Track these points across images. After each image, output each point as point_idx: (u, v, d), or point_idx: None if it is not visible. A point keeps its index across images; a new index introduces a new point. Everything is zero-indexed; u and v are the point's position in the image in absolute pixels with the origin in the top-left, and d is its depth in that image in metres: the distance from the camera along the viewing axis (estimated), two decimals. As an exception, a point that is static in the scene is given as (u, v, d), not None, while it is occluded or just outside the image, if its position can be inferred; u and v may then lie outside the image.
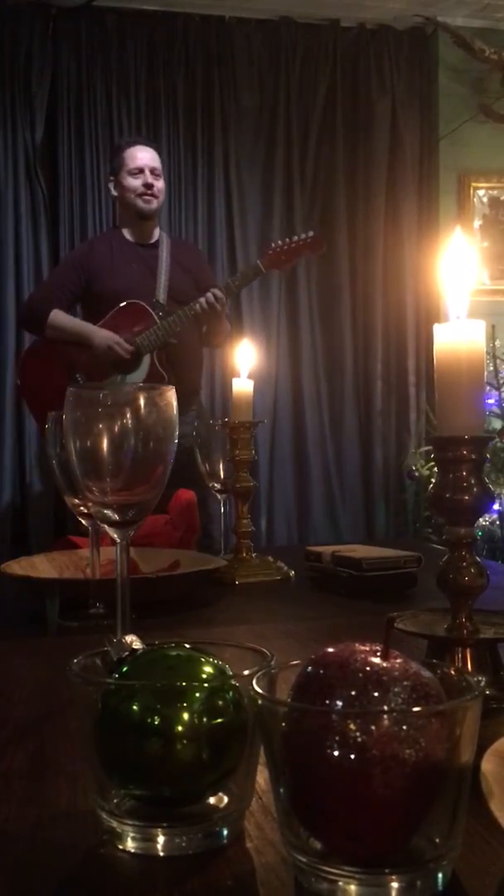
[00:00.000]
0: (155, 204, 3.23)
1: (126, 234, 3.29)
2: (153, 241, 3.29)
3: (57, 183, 4.45)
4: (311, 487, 4.67)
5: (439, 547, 2.07)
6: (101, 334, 3.12)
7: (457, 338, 0.69)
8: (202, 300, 3.11)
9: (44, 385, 3.16)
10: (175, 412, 0.82)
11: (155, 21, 4.53)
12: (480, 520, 3.90)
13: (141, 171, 3.20)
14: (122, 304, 3.17)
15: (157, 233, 3.33)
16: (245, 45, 4.67)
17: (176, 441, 0.82)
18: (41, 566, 1.46)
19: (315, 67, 4.74)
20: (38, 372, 3.26)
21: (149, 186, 3.19)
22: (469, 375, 0.69)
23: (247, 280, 3.35)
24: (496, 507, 4.04)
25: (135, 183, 3.19)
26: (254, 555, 1.62)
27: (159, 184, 3.24)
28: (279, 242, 3.30)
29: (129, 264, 3.22)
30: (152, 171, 3.22)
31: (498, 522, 4.14)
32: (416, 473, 4.50)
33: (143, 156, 3.23)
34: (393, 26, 4.80)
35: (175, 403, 0.82)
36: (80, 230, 4.46)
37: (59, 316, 3.18)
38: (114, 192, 3.29)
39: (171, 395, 0.82)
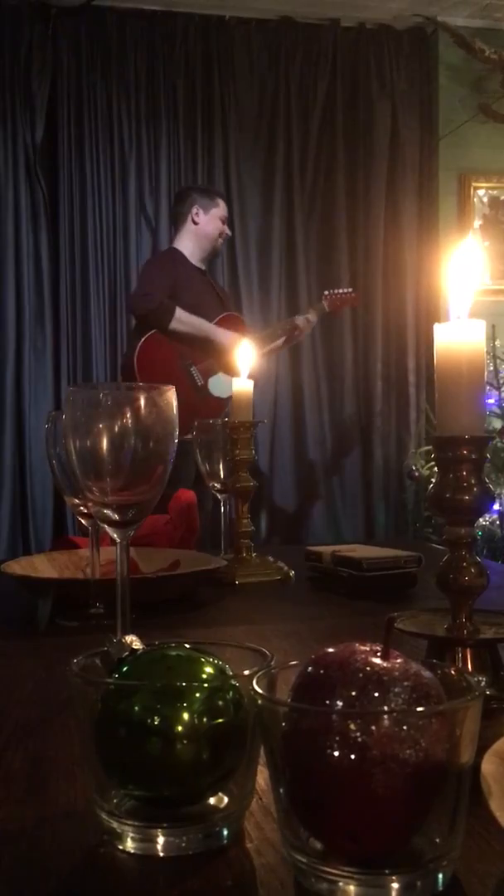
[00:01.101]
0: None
1: (188, 255, 3.69)
2: (204, 268, 3.78)
3: (57, 183, 4.46)
4: (311, 487, 4.67)
5: (439, 547, 2.07)
6: (227, 333, 3.50)
7: (457, 337, 0.69)
8: (302, 318, 3.78)
9: (159, 371, 3.43)
10: (175, 412, 0.82)
11: (155, 21, 4.53)
12: (480, 520, 3.90)
13: (225, 221, 3.78)
14: (223, 314, 3.63)
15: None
16: (245, 45, 4.67)
17: (176, 440, 0.82)
18: (41, 566, 1.46)
19: (315, 67, 4.75)
20: (157, 359, 3.51)
21: (228, 235, 3.88)
22: (469, 375, 0.69)
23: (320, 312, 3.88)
24: (496, 506, 4.04)
25: (221, 227, 3.74)
26: (254, 555, 1.62)
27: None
28: (335, 290, 3.94)
29: (197, 282, 3.65)
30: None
31: (498, 522, 4.13)
32: (417, 473, 4.50)
33: (226, 211, 3.83)
34: (393, 26, 4.81)
35: (174, 403, 0.82)
36: (80, 230, 4.46)
37: (184, 312, 3.48)
38: (196, 219, 3.68)
39: (171, 394, 0.82)
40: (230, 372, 3.28)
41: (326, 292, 3.88)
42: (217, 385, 3.51)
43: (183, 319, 3.46)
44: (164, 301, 3.46)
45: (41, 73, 4.40)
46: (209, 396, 3.50)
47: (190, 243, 3.69)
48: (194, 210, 3.67)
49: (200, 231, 3.68)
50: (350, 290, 4.01)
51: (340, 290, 3.94)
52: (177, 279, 3.54)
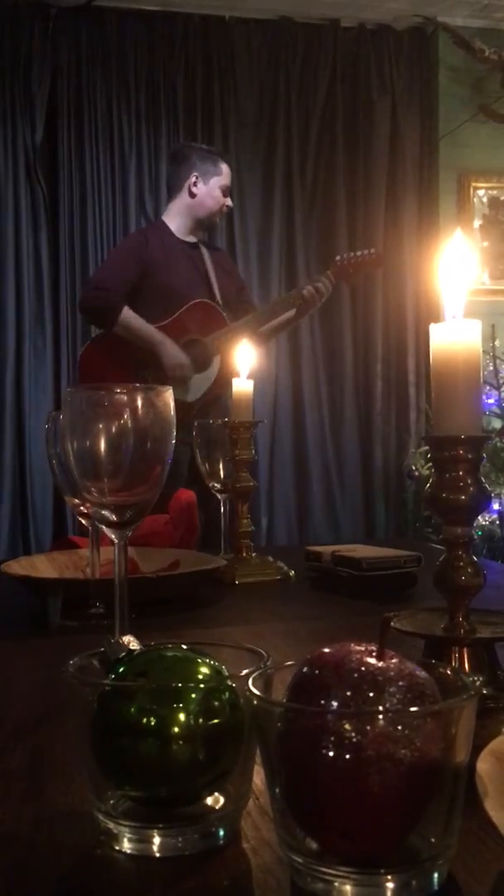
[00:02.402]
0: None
1: (174, 227, 3.25)
2: (195, 241, 3.29)
3: (57, 183, 4.46)
4: (311, 487, 4.67)
5: (439, 546, 2.07)
6: (172, 352, 3.05)
7: (453, 337, 0.69)
8: (309, 287, 3.14)
9: (104, 379, 3.03)
10: (172, 412, 0.82)
11: (155, 21, 4.53)
12: (480, 519, 3.90)
13: (228, 191, 3.30)
14: (190, 304, 3.13)
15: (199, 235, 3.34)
16: (245, 45, 4.67)
17: (173, 441, 0.82)
18: (41, 566, 1.46)
19: (315, 67, 4.74)
20: (103, 367, 3.16)
21: (230, 208, 3.38)
22: (465, 375, 0.69)
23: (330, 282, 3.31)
24: (496, 506, 4.04)
25: (223, 200, 3.26)
26: (254, 555, 1.62)
27: None
28: (345, 255, 3.33)
29: (180, 261, 3.18)
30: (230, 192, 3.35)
31: (498, 522, 4.14)
32: (416, 473, 4.50)
33: (230, 177, 3.33)
34: (393, 26, 4.81)
35: (172, 404, 0.82)
36: (80, 230, 4.46)
37: (129, 316, 3.06)
38: (193, 190, 3.23)
39: (169, 395, 0.82)
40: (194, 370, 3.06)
41: (338, 257, 3.33)
42: (178, 389, 3.12)
43: (128, 325, 3.05)
44: (112, 300, 3.05)
45: (41, 73, 4.40)
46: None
47: (180, 216, 3.26)
48: (192, 178, 3.22)
49: (196, 203, 3.24)
50: (369, 250, 3.35)
51: (357, 253, 3.34)
52: (149, 262, 3.12)
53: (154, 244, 3.19)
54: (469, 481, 0.69)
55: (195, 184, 3.22)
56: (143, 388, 0.81)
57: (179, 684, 0.55)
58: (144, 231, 3.47)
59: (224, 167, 3.28)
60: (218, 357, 3.13)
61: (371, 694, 0.47)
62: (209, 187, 3.23)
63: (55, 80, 4.43)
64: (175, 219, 3.26)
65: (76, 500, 1.26)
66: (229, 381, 3.13)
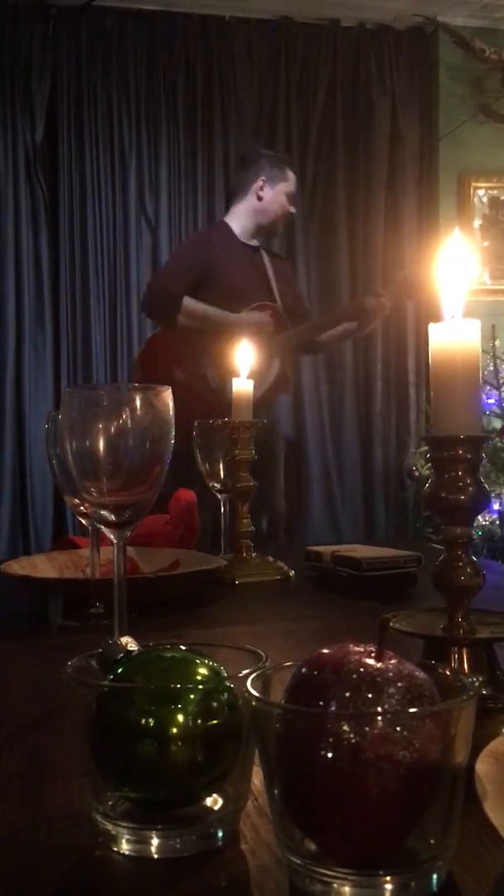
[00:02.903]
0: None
1: (237, 230, 3.22)
2: (256, 245, 3.28)
3: (57, 183, 4.46)
4: (311, 487, 4.67)
5: (439, 546, 2.07)
6: (252, 314, 3.02)
7: (452, 337, 0.69)
8: (372, 299, 3.11)
9: (168, 373, 3.04)
10: (171, 412, 0.82)
11: (155, 21, 4.53)
12: (480, 519, 3.90)
13: (293, 199, 3.28)
14: (256, 304, 3.09)
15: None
16: (245, 45, 4.67)
17: (172, 441, 0.82)
18: (41, 566, 1.46)
19: (315, 67, 4.74)
20: (164, 361, 3.12)
21: (293, 214, 3.35)
22: (464, 375, 0.69)
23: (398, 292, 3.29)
24: (496, 506, 4.04)
25: (287, 206, 3.24)
26: (254, 555, 1.62)
27: None
28: (408, 271, 3.41)
29: (242, 264, 3.17)
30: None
31: (498, 522, 4.14)
32: (417, 473, 4.50)
33: (296, 185, 3.33)
34: (393, 26, 4.80)
35: (171, 404, 0.82)
36: (80, 230, 4.46)
37: (192, 302, 3.01)
38: (259, 194, 3.20)
39: (168, 395, 0.82)
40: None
41: (401, 273, 3.34)
42: None
43: (191, 312, 2.99)
44: (169, 293, 3.01)
45: (41, 73, 4.40)
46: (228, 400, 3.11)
47: (244, 218, 3.21)
48: (259, 182, 3.17)
49: (261, 207, 3.19)
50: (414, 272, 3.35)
51: (409, 273, 3.35)
52: (211, 262, 3.08)
53: (217, 244, 3.17)
54: (468, 481, 0.69)
55: (262, 188, 3.20)
56: (142, 387, 0.81)
57: (178, 685, 0.55)
58: (209, 231, 3.47)
59: (290, 174, 3.26)
60: (278, 360, 3.13)
61: (370, 695, 0.47)
62: (275, 192, 3.20)
63: (55, 80, 4.43)
64: (239, 221, 3.24)
65: (76, 500, 1.26)
66: (288, 386, 3.17)
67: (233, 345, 2.77)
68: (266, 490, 3.27)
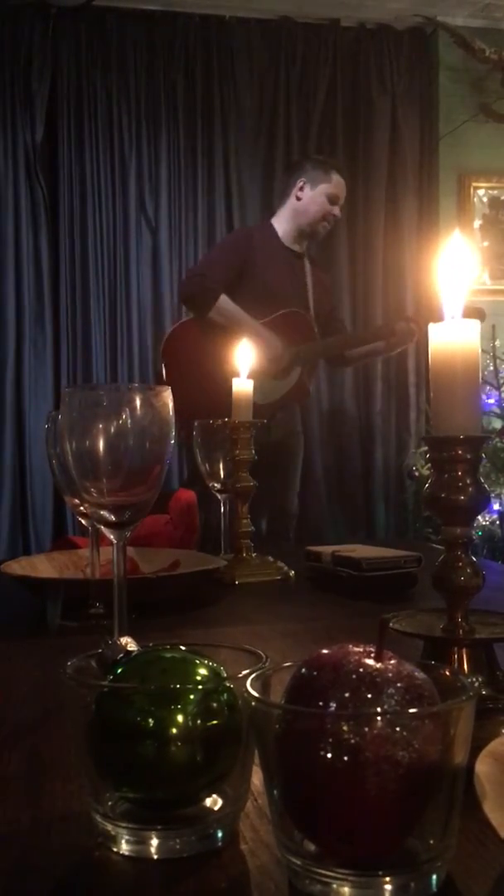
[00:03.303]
0: (326, 233, 3.35)
1: (282, 234, 3.25)
2: (299, 251, 3.29)
3: (57, 183, 4.45)
4: (311, 487, 4.67)
5: (439, 546, 2.07)
6: (273, 342, 3.04)
7: (452, 338, 0.69)
8: (402, 323, 3.15)
9: (188, 360, 3.09)
10: (171, 413, 0.82)
11: (155, 21, 4.53)
12: (480, 519, 3.90)
13: (337, 200, 3.24)
14: (284, 311, 3.11)
15: (304, 245, 3.33)
16: (245, 45, 4.67)
17: (172, 441, 0.82)
18: (41, 566, 1.46)
19: (315, 67, 4.74)
20: (189, 349, 3.15)
21: (336, 217, 3.28)
22: (464, 375, 0.69)
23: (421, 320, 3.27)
24: (496, 506, 4.04)
25: (328, 207, 3.21)
26: (254, 555, 1.62)
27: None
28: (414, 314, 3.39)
29: (281, 266, 3.18)
30: (342, 206, 3.30)
31: (498, 522, 4.13)
32: (416, 473, 4.50)
33: (344, 188, 3.28)
34: (393, 26, 4.80)
35: (171, 404, 0.82)
36: (80, 230, 4.46)
37: (227, 302, 3.05)
38: (299, 195, 3.22)
39: (167, 395, 0.82)
40: (273, 375, 3.05)
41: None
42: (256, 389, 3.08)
43: (223, 310, 3.02)
44: (209, 286, 3.03)
45: (41, 73, 4.40)
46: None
47: (286, 221, 3.24)
48: (300, 183, 3.20)
49: (301, 208, 3.19)
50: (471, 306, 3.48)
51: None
52: (250, 260, 3.11)
53: (258, 243, 3.18)
54: (468, 481, 0.69)
55: (301, 188, 3.22)
56: (142, 387, 0.81)
57: (177, 686, 0.55)
58: (251, 229, 3.50)
59: (335, 177, 3.24)
60: (300, 368, 3.14)
61: (369, 695, 0.47)
62: (315, 193, 3.21)
63: (55, 80, 4.43)
64: (282, 224, 3.27)
65: (76, 500, 1.26)
66: (306, 394, 3.17)
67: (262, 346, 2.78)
68: (282, 490, 3.28)
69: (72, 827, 0.58)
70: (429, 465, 4.29)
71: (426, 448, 4.58)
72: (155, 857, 0.53)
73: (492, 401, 4.22)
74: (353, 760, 0.45)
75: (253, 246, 3.16)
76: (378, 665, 0.48)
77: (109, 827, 0.54)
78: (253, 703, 0.50)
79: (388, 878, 0.47)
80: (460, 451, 0.69)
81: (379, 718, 0.45)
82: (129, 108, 4.53)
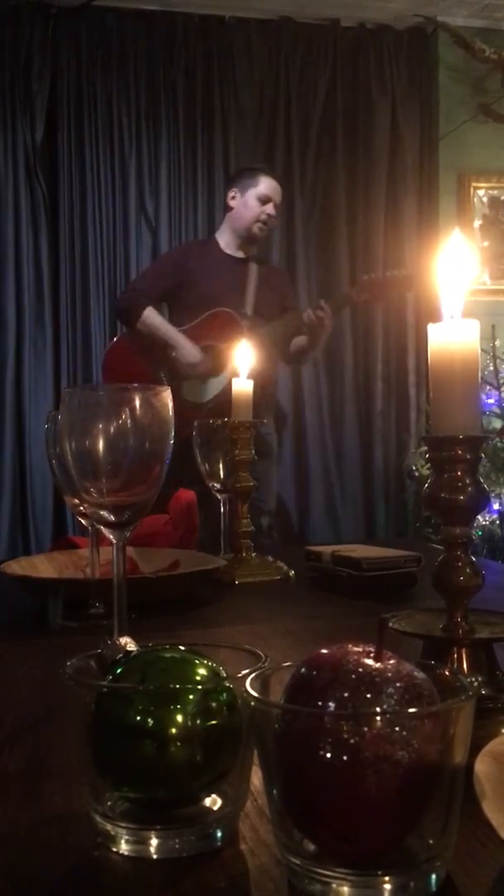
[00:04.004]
0: (266, 233, 3.45)
1: (223, 244, 3.42)
2: (245, 257, 3.42)
3: (57, 183, 4.46)
4: (311, 487, 4.67)
5: (439, 546, 2.07)
6: (186, 351, 3.22)
7: (451, 337, 0.69)
8: (309, 313, 3.22)
9: (126, 373, 3.26)
10: (171, 412, 0.82)
11: (155, 21, 4.53)
12: (480, 519, 3.90)
13: (269, 200, 3.35)
14: (211, 311, 3.26)
15: (252, 250, 3.47)
16: (245, 45, 4.67)
17: (172, 441, 0.82)
18: (41, 566, 1.46)
19: (315, 67, 4.74)
20: (125, 362, 3.36)
21: (271, 217, 3.37)
22: (463, 375, 0.69)
23: (336, 306, 3.36)
24: (496, 506, 4.04)
25: (258, 209, 3.33)
26: (254, 555, 1.62)
27: (275, 219, 3.44)
28: (371, 275, 3.41)
29: (220, 274, 3.33)
30: (276, 205, 3.39)
31: (498, 522, 4.13)
32: (416, 473, 4.50)
33: (275, 189, 3.39)
34: (393, 26, 4.80)
35: (171, 404, 0.82)
36: (80, 230, 4.46)
37: (152, 315, 3.26)
38: (231, 204, 3.38)
39: (167, 395, 0.82)
40: (198, 376, 3.23)
41: (366, 276, 3.40)
42: (191, 390, 3.26)
43: (148, 322, 3.25)
44: (137, 300, 3.27)
45: (41, 73, 4.40)
46: (184, 401, 3.20)
47: (225, 231, 3.42)
48: (231, 193, 3.39)
49: (235, 215, 3.37)
50: (400, 271, 3.42)
51: (377, 275, 3.40)
52: (187, 272, 3.29)
53: (196, 256, 3.39)
54: (467, 481, 0.69)
55: (233, 197, 3.38)
56: (141, 388, 0.81)
57: (177, 686, 0.55)
58: (190, 244, 3.76)
59: (263, 178, 3.36)
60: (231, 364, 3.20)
61: (369, 695, 0.47)
62: (245, 198, 3.34)
63: (55, 80, 4.43)
64: (223, 235, 3.45)
65: (76, 500, 1.26)
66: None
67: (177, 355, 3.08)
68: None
69: (71, 827, 0.58)
70: (429, 465, 4.30)
71: (426, 448, 4.60)
72: (155, 856, 0.53)
73: (492, 401, 4.22)
74: (353, 760, 0.45)
75: (188, 259, 3.37)
76: (377, 665, 0.48)
77: (109, 827, 0.54)
78: (252, 703, 0.50)
79: (387, 878, 0.47)
80: (460, 451, 0.69)
81: (378, 718, 0.45)
82: (129, 108, 4.53)
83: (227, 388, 3.15)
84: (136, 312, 3.25)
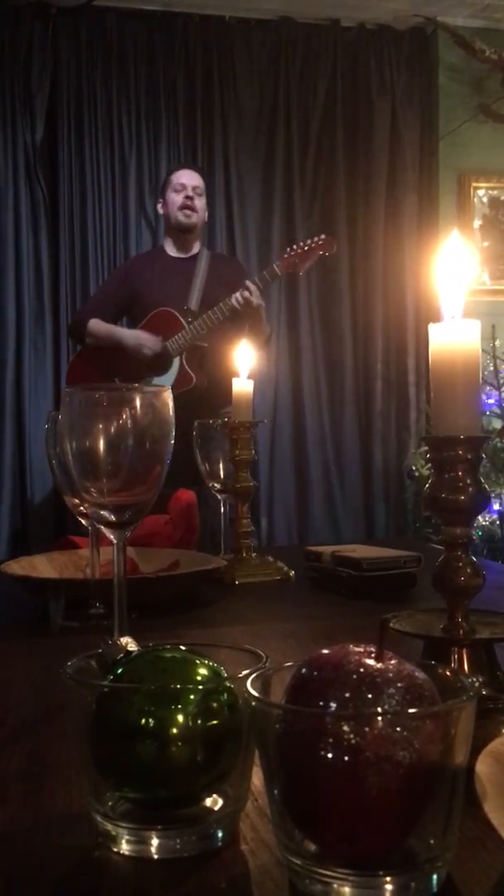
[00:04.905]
0: (194, 218, 3.48)
1: (168, 248, 3.55)
2: (193, 254, 3.52)
3: (57, 183, 4.46)
4: (311, 487, 4.67)
5: (439, 547, 2.07)
6: (129, 333, 3.40)
7: (452, 338, 0.69)
8: (236, 296, 3.27)
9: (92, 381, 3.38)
10: (171, 413, 0.82)
11: (155, 21, 4.53)
12: (480, 519, 3.90)
13: (184, 187, 3.45)
14: (153, 312, 3.41)
15: (196, 246, 3.55)
16: (245, 45, 4.67)
17: (172, 441, 0.82)
18: (41, 566, 1.46)
19: (315, 67, 4.74)
20: (82, 375, 3.50)
21: (189, 199, 3.44)
22: (464, 375, 0.69)
23: (264, 282, 3.42)
24: (496, 506, 4.04)
25: (176, 198, 3.45)
26: (254, 555, 1.62)
27: (199, 202, 3.49)
28: (293, 246, 3.49)
29: (167, 277, 3.45)
30: (194, 188, 3.47)
31: (498, 522, 4.13)
32: (416, 473, 4.50)
33: (187, 175, 3.51)
34: (393, 26, 4.80)
35: (171, 404, 0.82)
36: (80, 230, 4.46)
37: (94, 324, 3.43)
38: (160, 211, 3.56)
39: (168, 395, 0.82)
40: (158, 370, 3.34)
41: (286, 250, 3.49)
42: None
43: (93, 332, 3.44)
44: (79, 318, 3.52)
45: (41, 73, 4.40)
46: None
47: (167, 236, 3.59)
48: (159, 204, 3.59)
49: (165, 217, 3.55)
50: (318, 238, 3.47)
51: (303, 243, 3.47)
52: (131, 284, 3.48)
53: (141, 265, 3.56)
54: (468, 482, 0.69)
55: (160, 207, 3.56)
56: (141, 388, 0.81)
57: (178, 686, 0.55)
58: (135, 256, 3.93)
59: (178, 172, 3.54)
60: (178, 359, 3.37)
61: (370, 695, 0.47)
62: (167, 198, 3.49)
63: (55, 80, 4.43)
64: (167, 242, 3.58)
65: (76, 500, 1.26)
66: (189, 380, 3.29)
67: (126, 352, 3.27)
68: None
69: (72, 827, 0.58)
70: (429, 465, 4.29)
71: (426, 448, 4.59)
72: (155, 856, 0.53)
73: (492, 401, 4.22)
74: (354, 760, 0.45)
75: (132, 272, 3.54)
76: (378, 665, 0.48)
77: (110, 827, 0.54)
78: (253, 703, 0.50)
79: (388, 878, 0.47)
80: (460, 451, 0.69)
81: (379, 718, 0.45)
82: (129, 108, 4.53)
83: (177, 384, 3.28)
84: (82, 327, 3.45)
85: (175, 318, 3.37)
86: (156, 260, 3.55)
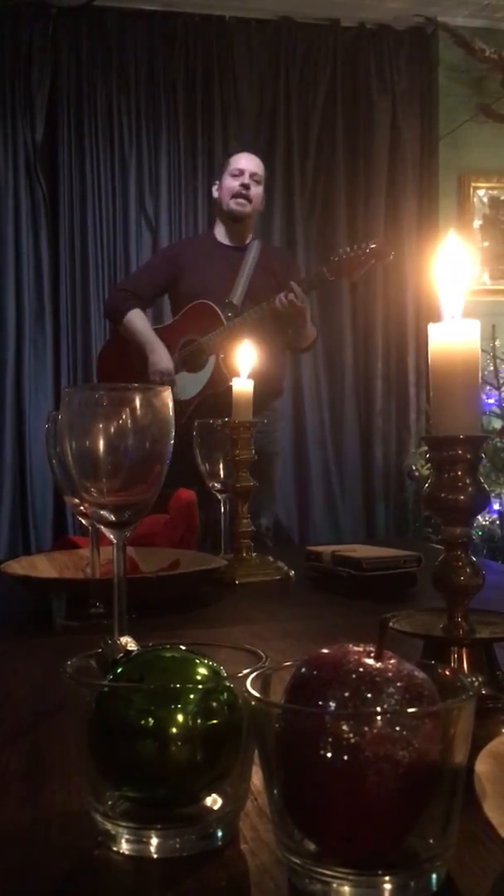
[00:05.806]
0: (247, 208, 3.29)
1: (219, 235, 3.36)
2: (244, 244, 3.35)
3: (57, 183, 4.46)
4: (311, 487, 4.67)
5: (439, 546, 2.07)
6: (158, 358, 3.18)
7: (451, 338, 0.69)
8: (280, 296, 3.09)
9: (121, 371, 3.27)
10: (171, 412, 0.82)
11: (155, 21, 4.53)
12: (480, 519, 3.90)
13: (242, 172, 3.26)
14: (192, 304, 3.22)
15: (249, 237, 3.39)
16: (245, 45, 4.67)
17: (172, 441, 0.82)
18: (41, 566, 1.46)
19: (315, 67, 4.74)
20: (117, 358, 3.37)
21: (245, 187, 3.25)
22: (464, 375, 0.69)
23: (311, 285, 3.24)
24: (496, 506, 4.04)
25: (232, 183, 3.26)
26: (254, 555, 1.62)
27: (256, 190, 3.29)
28: (345, 249, 3.27)
29: (213, 265, 3.26)
30: (252, 175, 3.28)
31: (498, 522, 4.14)
32: (416, 473, 4.50)
33: (246, 159, 3.31)
34: (393, 26, 4.80)
35: (171, 404, 0.82)
36: (80, 230, 4.46)
37: (134, 318, 3.24)
38: (215, 194, 3.36)
39: (167, 395, 0.82)
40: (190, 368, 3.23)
41: (334, 256, 3.23)
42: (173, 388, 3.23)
43: (129, 325, 3.24)
44: (120, 299, 3.28)
45: (41, 72, 4.40)
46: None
47: (219, 223, 3.37)
48: (214, 186, 3.38)
49: (219, 204, 3.32)
50: (368, 245, 3.19)
51: (356, 247, 3.22)
52: (179, 269, 3.27)
53: (191, 250, 3.35)
54: (468, 481, 0.69)
55: (215, 190, 3.36)
56: (141, 387, 0.81)
57: (177, 685, 0.55)
58: (183, 242, 3.73)
59: (236, 156, 3.34)
60: (213, 357, 3.20)
61: (369, 695, 0.47)
62: (222, 182, 3.30)
63: (55, 80, 4.43)
64: (218, 227, 3.38)
65: (76, 500, 1.26)
66: (224, 381, 3.20)
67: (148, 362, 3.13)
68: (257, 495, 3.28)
69: (71, 826, 0.58)
70: (429, 465, 4.29)
71: (426, 448, 4.58)
72: (155, 856, 0.53)
73: (492, 401, 4.22)
74: (353, 760, 0.45)
75: (182, 253, 3.35)
76: (378, 664, 0.48)
77: (109, 826, 0.54)
78: (253, 703, 0.50)
79: (387, 878, 0.47)
80: (460, 451, 0.69)
81: (379, 718, 0.45)
82: (129, 108, 4.53)
83: (211, 383, 3.16)
84: (120, 313, 3.25)
85: (214, 313, 3.20)
86: (205, 245, 3.37)
